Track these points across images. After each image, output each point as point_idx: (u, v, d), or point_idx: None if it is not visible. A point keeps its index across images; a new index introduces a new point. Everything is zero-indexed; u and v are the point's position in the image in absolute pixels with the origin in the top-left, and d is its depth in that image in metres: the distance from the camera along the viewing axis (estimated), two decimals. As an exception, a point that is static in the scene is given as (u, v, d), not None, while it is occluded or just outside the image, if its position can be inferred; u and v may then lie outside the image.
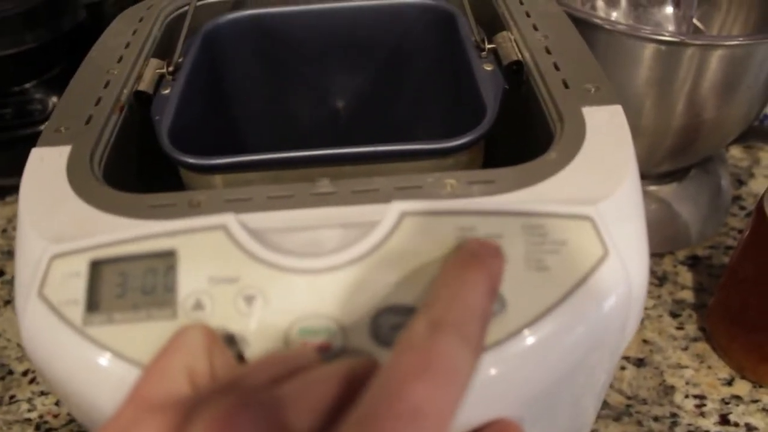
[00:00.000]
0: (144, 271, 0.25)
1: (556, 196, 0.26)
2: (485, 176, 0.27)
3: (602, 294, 0.25)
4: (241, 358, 0.23)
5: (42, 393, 0.49)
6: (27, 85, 0.60)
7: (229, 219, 0.25)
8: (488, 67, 0.36)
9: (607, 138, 0.29)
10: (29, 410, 0.48)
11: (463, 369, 0.19)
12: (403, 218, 0.25)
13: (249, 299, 0.24)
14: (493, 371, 0.24)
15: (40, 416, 0.47)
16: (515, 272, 0.24)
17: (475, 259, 0.23)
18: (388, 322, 0.23)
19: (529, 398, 0.25)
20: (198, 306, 0.24)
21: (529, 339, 0.24)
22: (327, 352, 0.23)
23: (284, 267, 0.24)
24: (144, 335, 0.24)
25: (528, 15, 0.38)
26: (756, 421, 0.46)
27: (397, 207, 0.25)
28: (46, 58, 0.61)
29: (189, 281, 0.24)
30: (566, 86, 0.32)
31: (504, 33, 0.38)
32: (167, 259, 0.25)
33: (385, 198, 0.26)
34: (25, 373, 0.50)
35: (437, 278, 0.22)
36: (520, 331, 0.24)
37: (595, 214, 0.26)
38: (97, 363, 0.24)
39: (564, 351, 0.25)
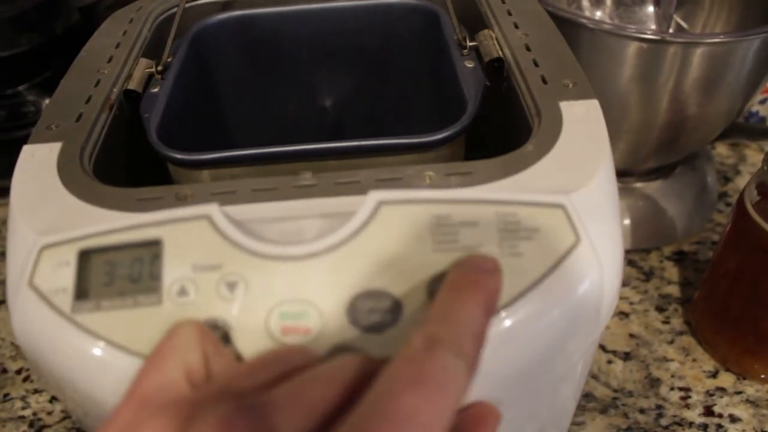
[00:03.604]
0: (131, 259, 0.25)
1: (531, 187, 0.27)
2: (463, 168, 0.28)
3: (575, 279, 0.25)
4: (226, 339, 0.24)
5: (36, 391, 0.50)
6: (20, 88, 0.61)
7: (213, 209, 0.26)
8: (470, 64, 0.36)
9: (582, 131, 0.30)
10: (23, 408, 0.48)
11: (457, 382, 0.20)
12: (380, 207, 0.26)
13: (231, 285, 0.25)
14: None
15: (34, 413, 0.48)
16: (490, 259, 0.25)
17: (474, 277, 0.24)
18: (365, 306, 0.24)
19: (507, 378, 0.26)
20: (182, 292, 0.25)
21: (507, 321, 0.25)
22: (307, 335, 0.24)
23: (265, 254, 0.25)
24: (131, 321, 0.24)
25: (509, 13, 0.39)
26: (739, 412, 0.47)
27: (374, 197, 0.26)
28: (40, 60, 0.62)
29: (174, 269, 0.25)
30: (545, 82, 0.33)
31: (486, 31, 0.38)
32: (153, 248, 0.25)
33: (365, 189, 0.27)
34: (19, 371, 0.51)
35: (438, 295, 0.23)
36: (497, 312, 0.25)
37: (568, 202, 0.26)
38: (85, 349, 0.25)
39: (539, 332, 0.25)
